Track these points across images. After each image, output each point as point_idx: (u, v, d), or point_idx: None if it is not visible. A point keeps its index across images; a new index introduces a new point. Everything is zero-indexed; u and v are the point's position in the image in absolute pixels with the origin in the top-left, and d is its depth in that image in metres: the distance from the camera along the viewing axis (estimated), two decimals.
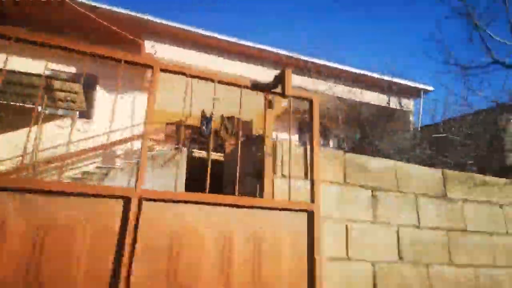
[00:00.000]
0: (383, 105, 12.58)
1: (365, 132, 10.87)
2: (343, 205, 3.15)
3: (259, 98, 3.08)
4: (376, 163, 3.46)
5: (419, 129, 12.97)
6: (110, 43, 8.70)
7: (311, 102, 3.05)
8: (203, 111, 10.46)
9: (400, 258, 3.23)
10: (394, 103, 12.76)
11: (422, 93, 13.00)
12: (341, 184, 3.22)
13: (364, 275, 3.03)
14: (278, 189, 2.93)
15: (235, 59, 10.53)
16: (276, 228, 2.63)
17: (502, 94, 12.66)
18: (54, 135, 8.37)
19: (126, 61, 2.65)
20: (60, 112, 8.89)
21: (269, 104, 3.01)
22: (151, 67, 2.69)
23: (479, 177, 3.92)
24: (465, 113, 12.63)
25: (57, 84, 6.90)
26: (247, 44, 10.27)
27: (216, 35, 9.84)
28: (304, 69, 10.68)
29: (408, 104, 13.13)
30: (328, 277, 2.86)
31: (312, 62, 11.07)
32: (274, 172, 2.96)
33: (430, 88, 13.09)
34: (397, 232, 3.30)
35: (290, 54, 10.80)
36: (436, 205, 3.56)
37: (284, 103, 11.41)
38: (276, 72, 2.96)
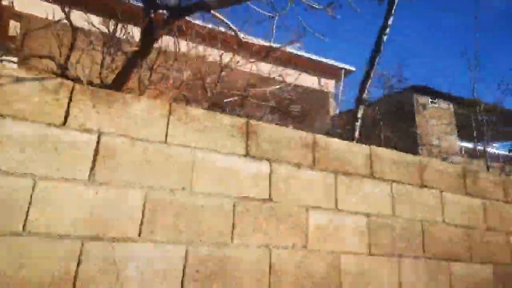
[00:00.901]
0: (305, 85, 11.47)
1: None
2: None
3: None
4: None
5: (338, 112, 12.03)
6: None
7: None
8: None
9: None
10: (313, 82, 11.67)
11: (342, 73, 11.99)
12: None
13: None
14: None
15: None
16: None
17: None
18: None
19: None
20: None
21: None
22: None
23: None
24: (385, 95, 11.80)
25: None
26: None
27: None
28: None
29: (328, 85, 12.09)
30: None
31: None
32: None
33: (352, 68, 12.11)
34: None
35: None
36: None
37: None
38: None
